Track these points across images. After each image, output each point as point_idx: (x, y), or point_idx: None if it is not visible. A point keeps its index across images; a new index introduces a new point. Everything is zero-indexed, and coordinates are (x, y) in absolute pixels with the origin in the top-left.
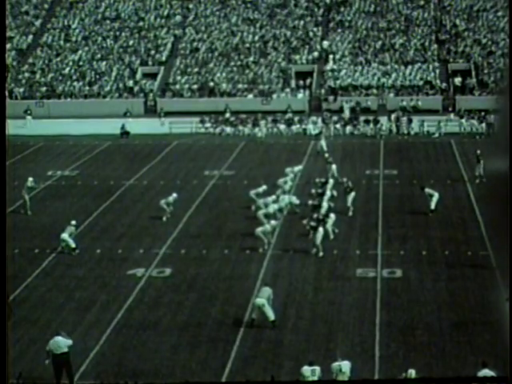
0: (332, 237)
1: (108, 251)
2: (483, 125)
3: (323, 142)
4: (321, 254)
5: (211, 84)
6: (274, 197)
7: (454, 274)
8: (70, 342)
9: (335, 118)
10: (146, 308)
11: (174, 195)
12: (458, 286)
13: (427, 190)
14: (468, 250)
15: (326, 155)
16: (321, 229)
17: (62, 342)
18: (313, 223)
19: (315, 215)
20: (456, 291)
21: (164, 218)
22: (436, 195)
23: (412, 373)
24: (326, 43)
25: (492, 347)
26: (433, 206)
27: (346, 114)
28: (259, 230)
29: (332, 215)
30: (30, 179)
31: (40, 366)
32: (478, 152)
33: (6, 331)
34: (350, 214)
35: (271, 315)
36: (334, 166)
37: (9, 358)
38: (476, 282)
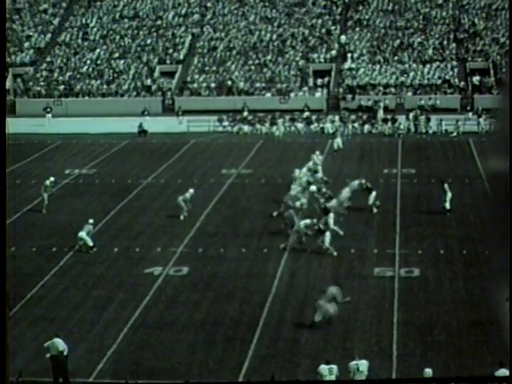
0: (341, 233)
1: (125, 250)
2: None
3: (339, 140)
4: (335, 253)
5: (229, 82)
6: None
7: (471, 273)
8: (66, 346)
9: (353, 116)
10: (163, 307)
11: (191, 191)
12: (475, 286)
13: (446, 185)
14: (485, 249)
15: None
16: (328, 232)
17: (60, 344)
18: (321, 226)
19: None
20: (473, 290)
21: (181, 217)
22: (449, 194)
23: (429, 372)
24: (343, 38)
25: (509, 347)
26: (448, 206)
27: (381, 113)
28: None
29: (331, 214)
30: (51, 179)
31: None
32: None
33: (6, 331)
34: (375, 211)
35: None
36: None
37: (9, 358)
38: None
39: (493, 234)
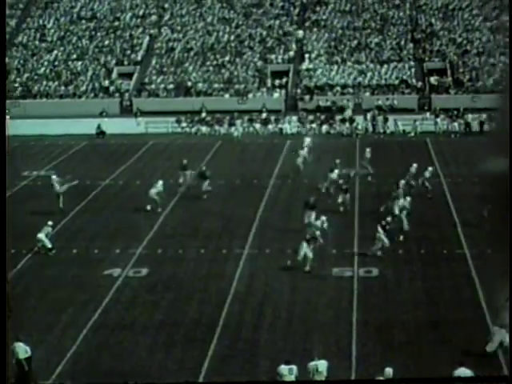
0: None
1: (84, 251)
2: (456, 124)
3: (309, 140)
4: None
5: (187, 84)
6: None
7: (429, 272)
8: (28, 349)
9: (311, 117)
10: (123, 308)
11: (160, 182)
12: (434, 285)
13: (400, 190)
14: (444, 248)
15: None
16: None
17: (23, 348)
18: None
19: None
20: (432, 290)
21: (159, 209)
22: (401, 200)
23: (389, 372)
24: (300, 33)
25: (468, 346)
26: (397, 211)
27: (349, 112)
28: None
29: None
30: None
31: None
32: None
33: (6, 331)
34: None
35: None
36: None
37: (9, 358)
38: (452, 280)
39: (493, 235)
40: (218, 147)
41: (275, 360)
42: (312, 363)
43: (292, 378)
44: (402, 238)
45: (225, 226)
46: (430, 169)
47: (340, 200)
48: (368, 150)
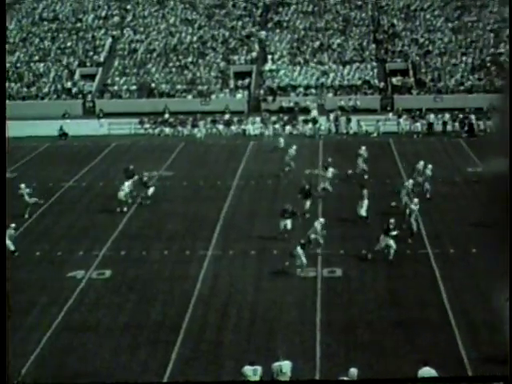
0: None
1: (47, 253)
2: (418, 124)
3: (282, 140)
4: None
5: (150, 85)
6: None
7: (393, 272)
8: None
9: (274, 118)
10: (86, 310)
11: (127, 183)
12: (397, 285)
13: (365, 191)
14: (407, 248)
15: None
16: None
17: None
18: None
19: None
20: (396, 290)
21: (125, 209)
22: (366, 202)
23: (354, 372)
24: (263, 33)
25: (432, 345)
26: (363, 213)
27: (314, 113)
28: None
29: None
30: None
31: None
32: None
33: (6, 331)
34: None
35: None
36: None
37: (9, 358)
38: (415, 280)
39: (493, 235)
40: (181, 148)
41: (239, 361)
42: (276, 364)
43: (256, 378)
44: (410, 240)
45: (188, 227)
46: (430, 166)
47: (308, 205)
48: (363, 148)
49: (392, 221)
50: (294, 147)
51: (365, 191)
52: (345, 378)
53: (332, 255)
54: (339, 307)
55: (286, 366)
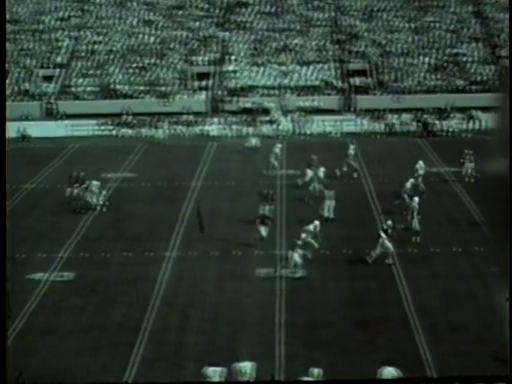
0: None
1: (8, 256)
2: (380, 124)
3: (253, 140)
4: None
5: (111, 86)
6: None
7: (355, 272)
8: None
9: (234, 118)
10: (48, 312)
11: (94, 183)
12: (359, 285)
13: (331, 192)
14: (368, 248)
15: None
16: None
17: None
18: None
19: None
20: (357, 290)
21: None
22: (333, 202)
23: (318, 372)
24: (226, 34)
25: (394, 345)
26: (327, 214)
27: (279, 113)
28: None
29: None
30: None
31: None
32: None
33: (6, 331)
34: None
35: None
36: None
37: (9, 358)
38: (377, 280)
39: (494, 234)
40: (142, 150)
41: (201, 362)
42: (238, 364)
43: (218, 379)
44: (415, 239)
45: (150, 228)
46: (421, 162)
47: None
48: (352, 147)
49: (389, 222)
50: (279, 146)
51: (331, 192)
52: (306, 379)
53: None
54: (301, 308)
55: (248, 366)
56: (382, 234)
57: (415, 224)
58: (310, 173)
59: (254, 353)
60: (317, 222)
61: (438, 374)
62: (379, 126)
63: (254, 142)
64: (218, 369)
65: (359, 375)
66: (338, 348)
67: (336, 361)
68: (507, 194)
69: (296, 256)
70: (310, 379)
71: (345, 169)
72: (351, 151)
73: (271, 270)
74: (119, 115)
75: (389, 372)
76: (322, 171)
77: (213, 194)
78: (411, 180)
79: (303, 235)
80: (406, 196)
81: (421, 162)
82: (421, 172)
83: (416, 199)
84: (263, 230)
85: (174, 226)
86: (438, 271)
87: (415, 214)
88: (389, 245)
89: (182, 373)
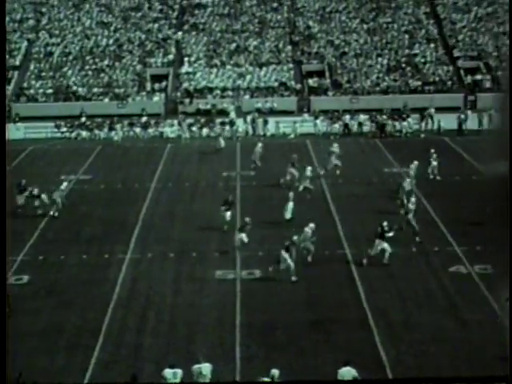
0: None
1: None
2: (335, 125)
3: (222, 140)
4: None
5: (66, 88)
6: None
7: (311, 273)
8: None
9: (191, 120)
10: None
11: (65, 184)
12: (315, 286)
13: (291, 194)
14: (325, 249)
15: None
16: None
17: None
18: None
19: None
20: (313, 290)
21: (55, 214)
22: (291, 204)
23: (276, 373)
24: (180, 34)
25: (351, 345)
26: (288, 215)
27: (232, 115)
28: None
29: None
30: None
31: None
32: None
33: (6, 331)
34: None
35: None
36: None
37: (9, 358)
38: (333, 280)
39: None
40: (99, 152)
41: (159, 364)
42: (196, 366)
43: (176, 381)
44: (418, 239)
45: (107, 230)
46: (416, 163)
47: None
48: (336, 145)
49: (385, 224)
50: (260, 145)
51: (290, 193)
52: (265, 379)
53: (250, 257)
54: (258, 308)
55: (205, 368)
56: (379, 235)
57: (414, 223)
58: (293, 172)
59: (212, 354)
60: (312, 225)
61: (393, 373)
62: (336, 127)
63: (222, 143)
64: (177, 370)
65: (316, 375)
66: (296, 348)
67: (293, 361)
68: (507, 195)
69: (289, 260)
70: (269, 380)
71: (329, 167)
72: (335, 149)
73: (228, 271)
74: (76, 117)
75: (347, 372)
76: (309, 170)
77: (170, 195)
78: (408, 180)
79: (295, 238)
80: (404, 197)
81: (416, 162)
82: (412, 172)
83: (413, 200)
84: (244, 237)
85: (130, 227)
86: (395, 271)
87: (411, 214)
88: (386, 245)
89: (140, 375)
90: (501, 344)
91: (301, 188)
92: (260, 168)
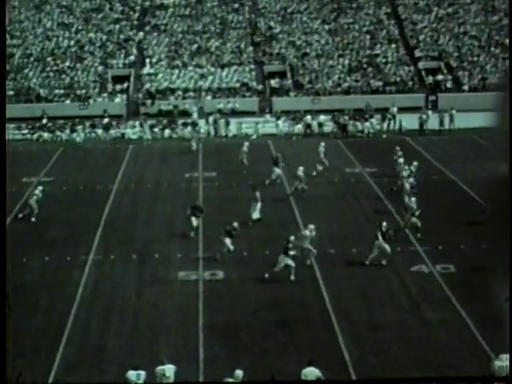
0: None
1: None
2: (296, 126)
3: (194, 143)
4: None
5: (28, 90)
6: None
7: (274, 273)
8: None
9: (153, 121)
10: None
11: (40, 188)
12: (278, 286)
13: (257, 193)
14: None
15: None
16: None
17: None
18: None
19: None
20: (276, 291)
21: (33, 219)
22: (259, 204)
23: (239, 374)
24: (141, 35)
25: (314, 345)
26: (257, 215)
27: (195, 116)
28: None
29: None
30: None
31: None
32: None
33: (6, 331)
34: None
35: None
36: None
37: (9, 358)
38: (296, 281)
39: (495, 235)
40: (60, 153)
41: (123, 366)
42: (159, 368)
43: (141, 383)
44: (419, 235)
45: (69, 232)
46: (416, 163)
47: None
48: (322, 144)
49: (385, 224)
50: (246, 144)
51: (257, 193)
52: (229, 380)
53: (213, 258)
54: (221, 310)
55: (169, 369)
56: (379, 236)
57: (415, 222)
58: (277, 170)
59: (176, 355)
60: (312, 226)
61: (356, 373)
62: (298, 128)
63: (194, 146)
64: (141, 372)
65: (280, 376)
66: (259, 349)
67: (257, 362)
68: (507, 195)
69: (289, 261)
70: (233, 381)
71: (320, 167)
72: (321, 148)
73: (191, 272)
74: (37, 119)
75: (311, 372)
76: (301, 170)
77: (132, 196)
78: (410, 179)
79: (292, 238)
80: (406, 197)
81: (416, 163)
82: (404, 174)
83: (413, 199)
84: (229, 243)
85: (93, 229)
86: (358, 271)
87: (409, 213)
88: (386, 246)
89: (103, 377)
90: (463, 343)
91: (293, 188)
92: (222, 169)
